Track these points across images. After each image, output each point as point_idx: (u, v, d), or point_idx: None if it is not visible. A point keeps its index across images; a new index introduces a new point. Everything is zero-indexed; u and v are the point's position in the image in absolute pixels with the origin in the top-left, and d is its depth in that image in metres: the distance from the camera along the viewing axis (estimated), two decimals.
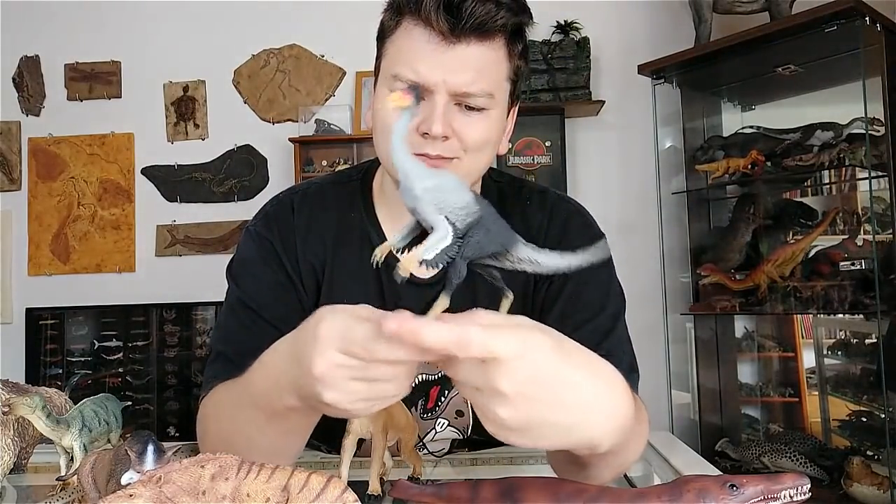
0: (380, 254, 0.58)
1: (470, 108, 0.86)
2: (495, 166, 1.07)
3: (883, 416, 2.26)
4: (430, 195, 0.59)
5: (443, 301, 0.60)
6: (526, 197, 1.02)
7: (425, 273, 0.59)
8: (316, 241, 0.98)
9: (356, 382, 0.57)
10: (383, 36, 0.90)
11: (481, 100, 0.85)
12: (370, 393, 0.57)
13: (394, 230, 0.99)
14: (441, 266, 0.58)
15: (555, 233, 0.98)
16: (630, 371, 0.91)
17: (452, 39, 0.82)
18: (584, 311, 0.93)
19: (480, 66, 0.84)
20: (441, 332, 0.51)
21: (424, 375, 1.00)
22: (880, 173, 2.28)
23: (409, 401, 0.90)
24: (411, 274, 0.96)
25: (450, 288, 0.60)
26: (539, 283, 0.96)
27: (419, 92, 0.61)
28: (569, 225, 0.99)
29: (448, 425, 1.03)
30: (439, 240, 0.58)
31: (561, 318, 0.93)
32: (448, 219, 0.58)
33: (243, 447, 0.76)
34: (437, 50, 0.83)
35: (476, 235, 0.59)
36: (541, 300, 0.96)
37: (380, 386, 0.58)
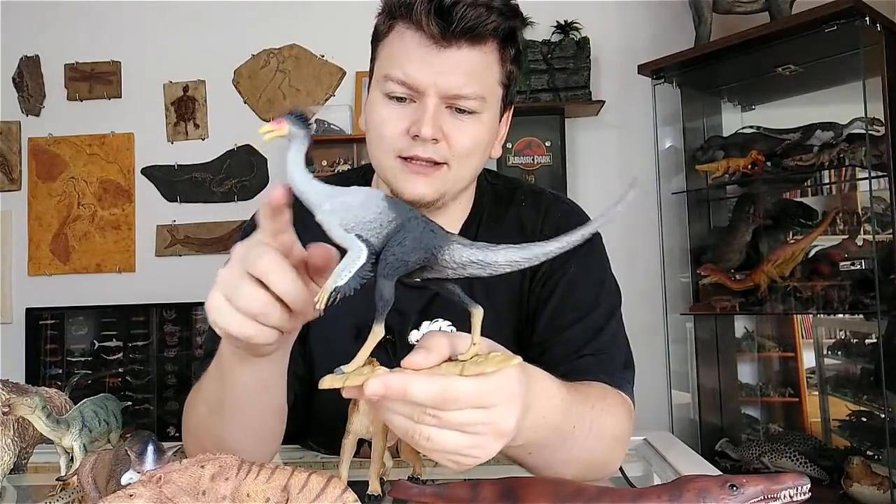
0: (320, 302, 0.52)
1: (460, 112, 0.87)
2: (494, 167, 1.07)
3: (883, 416, 2.26)
4: (333, 216, 0.53)
5: (376, 332, 0.54)
6: (520, 198, 1.03)
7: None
8: (312, 242, 0.98)
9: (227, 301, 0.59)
10: (377, 39, 0.92)
11: (472, 103, 0.86)
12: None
13: None
14: (357, 289, 0.52)
15: (548, 232, 0.98)
16: (624, 367, 0.91)
17: (444, 43, 0.83)
18: (576, 310, 0.93)
19: (471, 69, 0.85)
20: (430, 384, 0.52)
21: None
22: (880, 173, 2.28)
23: None
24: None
25: (379, 315, 0.53)
26: (533, 282, 0.96)
27: (304, 115, 0.55)
28: (563, 225, 0.99)
29: None
30: (351, 261, 0.52)
31: (552, 316, 0.93)
32: (361, 237, 0.53)
33: (209, 446, 0.77)
34: (429, 53, 0.84)
35: (391, 248, 0.52)
36: (535, 299, 0.96)
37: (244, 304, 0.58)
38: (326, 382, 0.55)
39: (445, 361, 0.55)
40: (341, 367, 0.56)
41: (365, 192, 0.55)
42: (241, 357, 0.66)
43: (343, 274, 0.52)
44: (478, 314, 0.57)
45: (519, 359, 0.54)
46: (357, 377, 0.53)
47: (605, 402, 0.78)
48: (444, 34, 0.82)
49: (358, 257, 0.52)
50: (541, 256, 0.54)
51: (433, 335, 0.56)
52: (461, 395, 0.52)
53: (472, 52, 0.85)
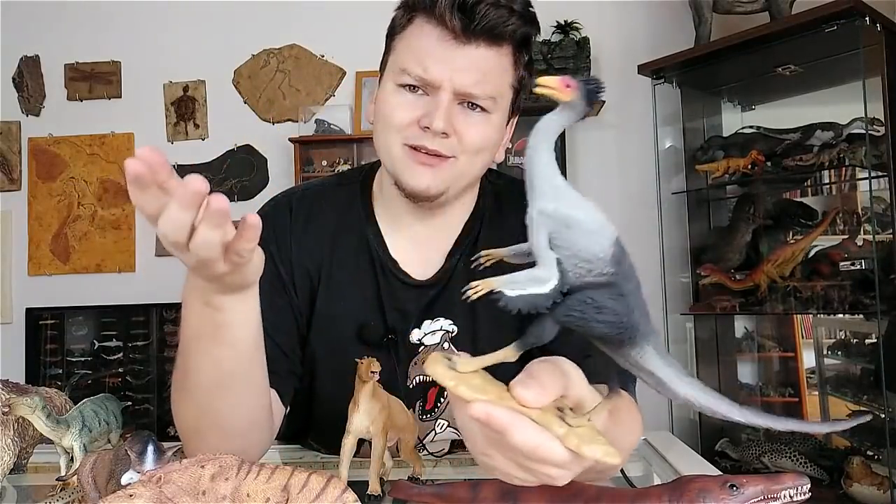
0: (474, 290, 0.46)
1: (472, 110, 0.88)
2: (495, 168, 1.08)
3: (883, 416, 2.26)
4: (547, 221, 0.46)
5: (508, 353, 0.49)
6: (523, 198, 1.03)
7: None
8: (312, 243, 0.98)
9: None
10: (393, 32, 0.93)
11: (484, 101, 0.87)
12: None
13: (392, 231, 0.99)
14: (520, 311, 0.46)
15: None
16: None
17: (463, 39, 0.85)
18: None
19: (487, 68, 0.86)
20: (530, 437, 0.48)
21: (422, 377, 1.00)
22: (880, 173, 2.27)
23: (407, 402, 0.90)
24: (408, 274, 0.97)
25: (522, 344, 0.48)
26: None
27: (597, 90, 0.47)
28: None
29: (448, 426, 1.03)
30: (533, 281, 0.45)
31: None
32: (560, 262, 0.45)
33: (207, 426, 0.77)
34: (448, 48, 0.85)
35: (585, 306, 0.45)
36: None
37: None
38: (437, 370, 0.49)
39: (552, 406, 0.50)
40: (455, 358, 0.50)
41: (601, 223, 0.47)
42: (217, 305, 0.66)
43: (516, 286, 0.45)
44: (615, 398, 0.53)
45: (620, 462, 0.50)
46: (466, 388, 0.48)
47: (631, 419, 0.78)
48: (466, 30, 0.84)
49: (542, 283, 0.45)
50: (718, 413, 0.50)
51: (550, 370, 0.52)
52: (550, 458, 0.49)
53: (489, 51, 0.86)
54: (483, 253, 0.51)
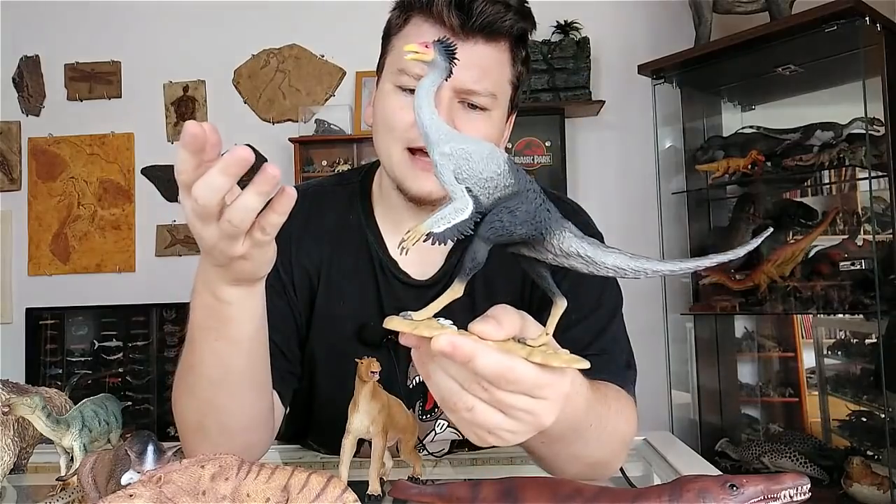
0: (408, 239, 0.50)
1: (472, 108, 0.88)
2: None
3: (883, 416, 2.26)
4: (448, 161, 0.51)
5: (455, 289, 0.52)
6: None
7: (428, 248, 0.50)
8: (312, 243, 0.98)
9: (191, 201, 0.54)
10: (389, 34, 0.93)
11: (484, 99, 0.87)
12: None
13: (392, 232, 0.99)
14: (450, 242, 0.50)
15: None
16: (626, 368, 0.91)
17: (461, 36, 0.84)
18: (579, 310, 0.93)
19: (486, 65, 0.86)
20: (496, 359, 0.50)
21: (421, 377, 1.00)
22: (880, 173, 2.28)
23: (407, 402, 0.90)
24: (408, 275, 0.97)
25: (463, 275, 0.51)
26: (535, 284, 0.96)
27: (450, 48, 0.53)
28: None
29: (448, 426, 1.03)
30: (454, 212, 0.50)
31: None
32: (470, 191, 0.50)
33: (209, 422, 0.76)
34: None
35: (500, 214, 0.50)
36: (537, 298, 0.96)
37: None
38: (394, 323, 0.52)
39: (510, 339, 0.53)
40: (409, 312, 0.53)
41: (490, 147, 0.52)
42: (224, 298, 0.66)
43: (441, 222, 0.49)
44: (561, 305, 0.56)
45: (587, 364, 0.52)
46: (427, 329, 0.51)
47: (619, 405, 0.79)
48: (463, 27, 0.84)
49: (461, 210, 0.50)
50: (648, 272, 0.52)
51: (505, 308, 0.55)
52: (521, 379, 0.51)
53: (486, 47, 0.86)
54: (407, 233, 0.50)
